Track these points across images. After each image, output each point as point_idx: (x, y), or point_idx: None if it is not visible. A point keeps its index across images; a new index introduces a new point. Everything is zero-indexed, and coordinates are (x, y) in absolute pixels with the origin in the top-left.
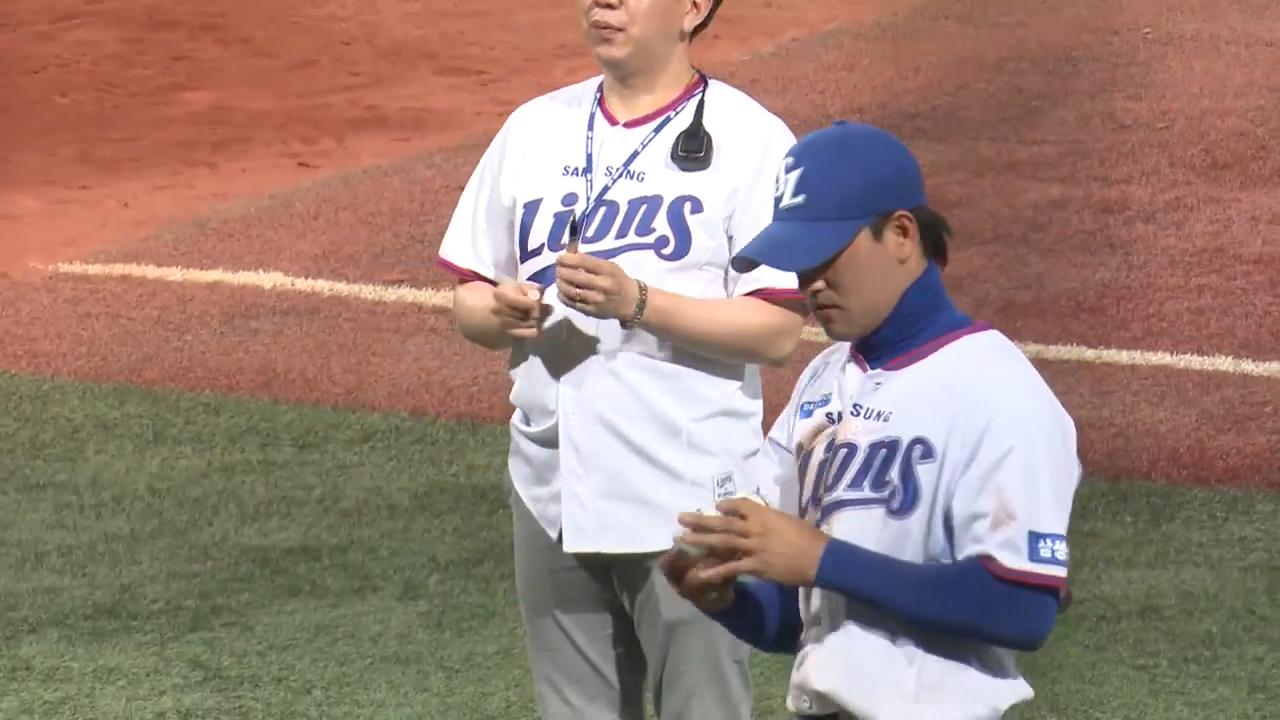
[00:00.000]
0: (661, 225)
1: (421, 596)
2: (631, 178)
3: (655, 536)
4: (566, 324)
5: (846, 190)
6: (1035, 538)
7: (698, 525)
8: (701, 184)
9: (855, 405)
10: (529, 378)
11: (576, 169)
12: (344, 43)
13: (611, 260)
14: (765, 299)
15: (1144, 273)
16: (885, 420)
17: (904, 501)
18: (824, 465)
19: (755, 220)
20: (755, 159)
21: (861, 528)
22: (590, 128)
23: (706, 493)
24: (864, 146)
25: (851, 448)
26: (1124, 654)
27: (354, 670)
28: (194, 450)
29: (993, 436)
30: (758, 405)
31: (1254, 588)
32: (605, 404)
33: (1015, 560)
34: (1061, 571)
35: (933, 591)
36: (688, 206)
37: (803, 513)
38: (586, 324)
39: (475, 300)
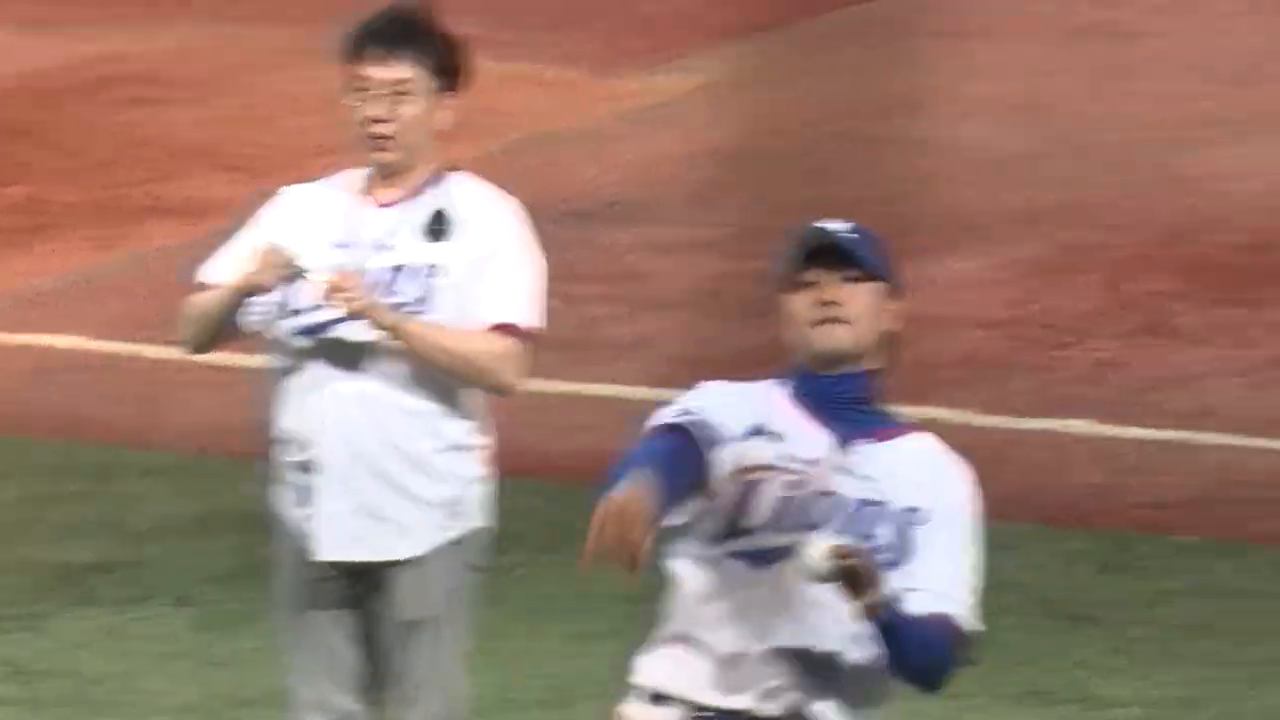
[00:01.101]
0: (413, 288)
1: (194, 604)
2: (387, 249)
3: (397, 548)
4: (325, 368)
5: (884, 250)
6: (972, 608)
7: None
8: (446, 254)
9: (836, 463)
10: (291, 414)
11: (340, 242)
12: (140, 145)
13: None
14: (506, 333)
15: None
16: (873, 482)
17: (898, 557)
18: (789, 503)
19: (492, 270)
20: (492, 231)
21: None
22: (353, 209)
23: (438, 512)
24: (882, 238)
25: (836, 498)
26: None
27: (136, 665)
28: (2, 483)
29: (958, 520)
30: (487, 440)
31: None
32: (360, 437)
33: (959, 607)
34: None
35: (917, 638)
36: (434, 273)
37: (741, 533)
38: (348, 368)
39: (211, 291)
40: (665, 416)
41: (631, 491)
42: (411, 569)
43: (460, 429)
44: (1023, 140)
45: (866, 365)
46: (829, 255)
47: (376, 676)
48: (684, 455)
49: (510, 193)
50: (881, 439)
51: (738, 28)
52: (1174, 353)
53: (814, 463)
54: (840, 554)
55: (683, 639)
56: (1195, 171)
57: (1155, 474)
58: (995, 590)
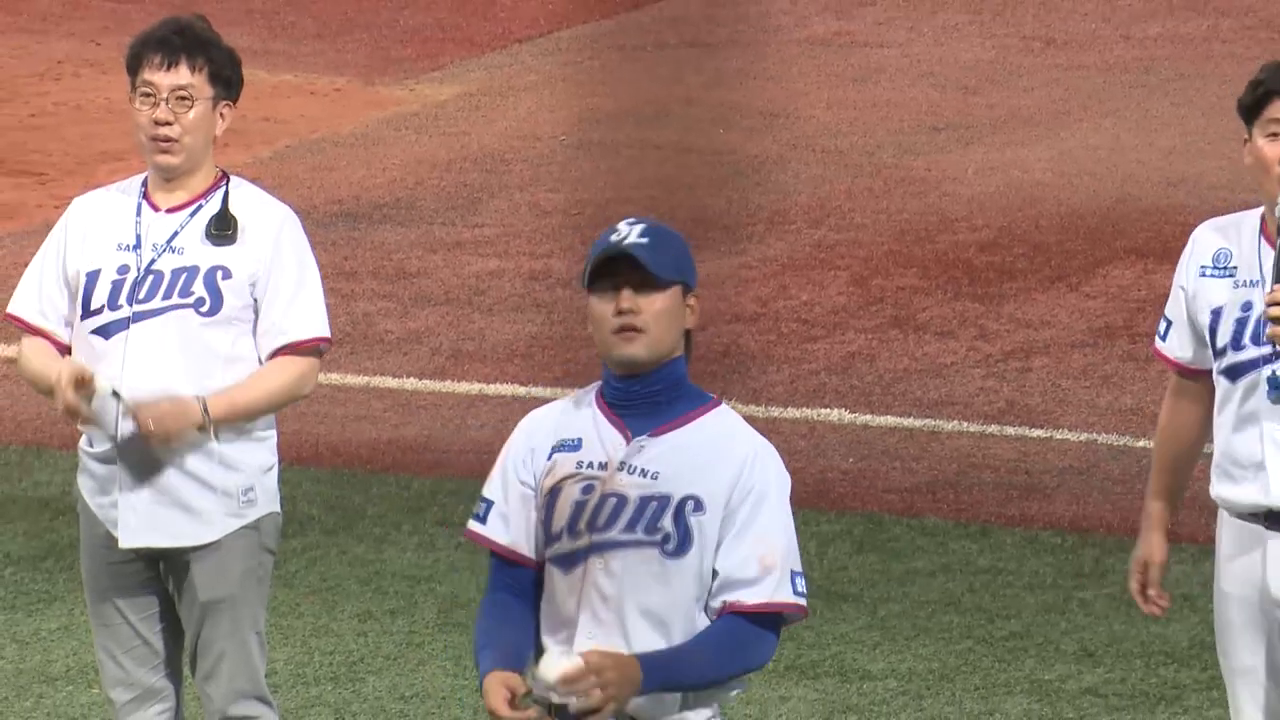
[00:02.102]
0: (199, 289)
1: None
2: (174, 252)
3: (193, 534)
4: (127, 364)
5: (679, 252)
6: (794, 575)
7: (573, 679)
8: (230, 256)
9: (623, 463)
10: (93, 407)
11: (128, 245)
12: None
13: (169, 402)
14: (292, 352)
15: (563, 327)
16: (654, 479)
17: (678, 546)
18: (583, 506)
19: (275, 283)
20: (273, 235)
21: (636, 564)
22: (138, 214)
23: (232, 499)
24: (679, 237)
25: (621, 498)
26: None
27: None
28: None
29: (754, 496)
30: (273, 431)
31: None
32: None
33: (785, 595)
34: (805, 602)
35: (722, 656)
36: (220, 274)
37: (552, 539)
38: (141, 366)
39: (37, 362)
40: (473, 521)
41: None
42: (209, 553)
43: (250, 420)
44: (770, 144)
45: (666, 360)
46: (624, 264)
47: (179, 654)
48: (511, 606)
49: (284, 196)
50: (673, 428)
51: (496, 39)
52: (919, 345)
53: (604, 466)
54: (569, 681)
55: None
56: (932, 174)
57: (904, 460)
58: None
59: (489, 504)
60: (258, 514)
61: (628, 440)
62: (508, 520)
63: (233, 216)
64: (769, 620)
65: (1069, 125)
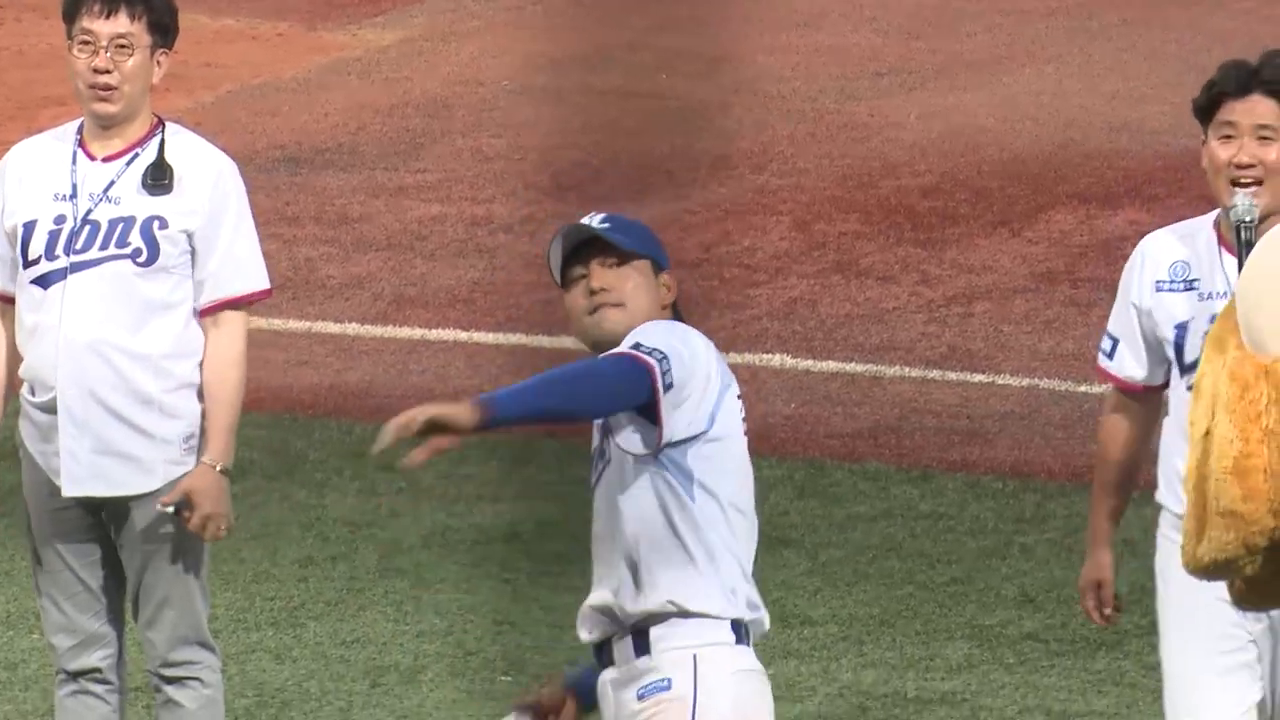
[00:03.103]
0: (136, 239)
1: None
2: (110, 202)
3: (135, 483)
4: (58, 316)
5: (642, 232)
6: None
7: None
8: (166, 206)
9: None
10: (33, 357)
11: (64, 195)
12: None
13: (199, 494)
14: (227, 306)
15: (505, 273)
16: None
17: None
18: None
19: (212, 234)
20: (210, 183)
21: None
22: (74, 162)
23: (173, 447)
24: (639, 222)
25: None
26: (493, 570)
27: None
28: None
29: None
30: None
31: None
32: (94, 380)
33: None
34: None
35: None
36: (156, 224)
37: None
38: (79, 316)
39: None
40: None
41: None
42: (151, 500)
43: (187, 368)
44: (713, 90)
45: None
46: (590, 247)
47: (122, 600)
48: None
49: (226, 141)
50: None
51: None
52: (861, 290)
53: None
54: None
55: None
56: (875, 119)
57: (846, 405)
58: None
59: None
60: (199, 461)
61: None
62: None
63: (169, 165)
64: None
65: (1011, 71)
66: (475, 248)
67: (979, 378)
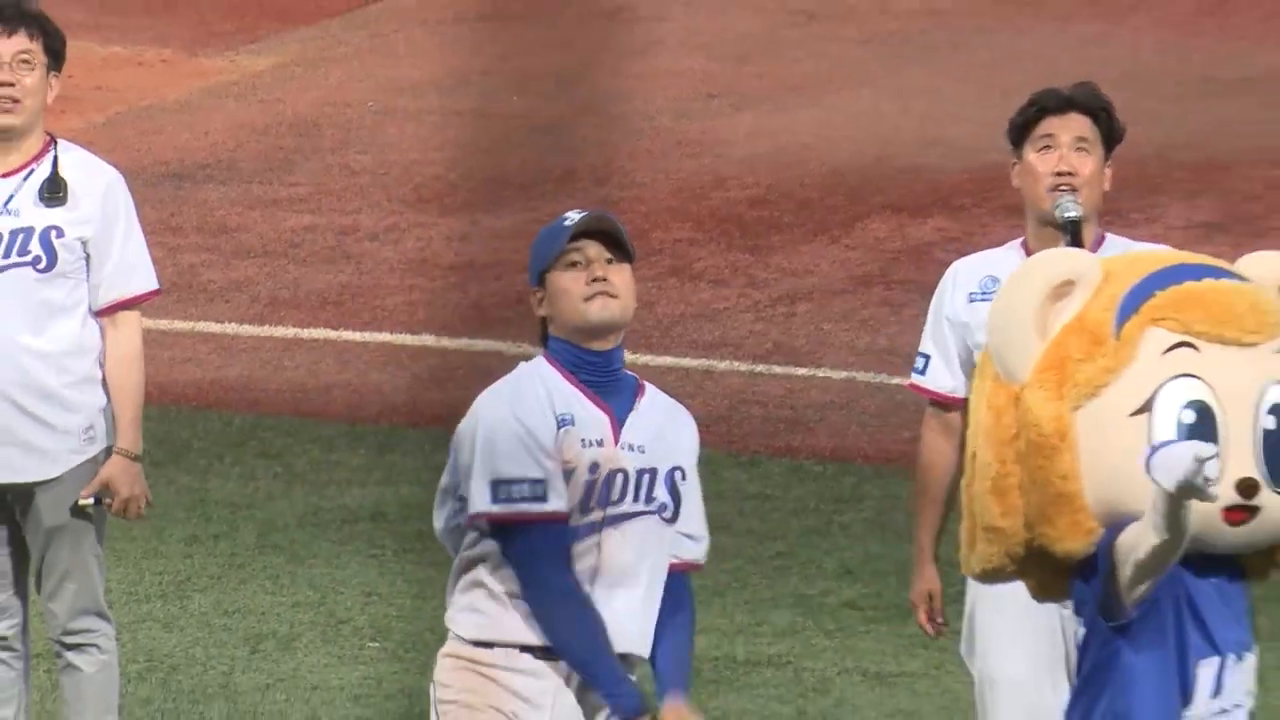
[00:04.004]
0: (35, 248)
1: None
2: (10, 214)
3: (40, 470)
4: None
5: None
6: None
7: None
8: (62, 216)
9: (619, 440)
10: None
11: None
12: None
13: (115, 480)
14: (122, 306)
15: (371, 277)
16: (645, 451)
17: (674, 513)
18: (592, 485)
19: (105, 241)
20: (100, 195)
21: (645, 532)
22: None
23: (73, 438)
24: None
25: (626, 474)
26: (361, 546)
27: None
28: None
29: (694, 465)
30: (100, 372)
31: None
32: (1, 379)
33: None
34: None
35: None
36: (53, 233)
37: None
38: None
39: None
40: (529, 504)
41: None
42: (53, 485)
43: (85, 364)
44: (560, 110)
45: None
46: (595, 238)
47: (25, 574)
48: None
49: (116, 158)
50: (636, 400)
51: (309, 14)
52: (695, 292)
53: (602, 443)
54: None
55: None
56: (707, 136)
57: (680, 396)
58: None
59: (541, 482)
60: (96, 449)
61: (611, 416)
62: (558, 490)
63: (63, 179)
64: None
65: (831, 93)
66: (343, 254)
67: (801, 371)
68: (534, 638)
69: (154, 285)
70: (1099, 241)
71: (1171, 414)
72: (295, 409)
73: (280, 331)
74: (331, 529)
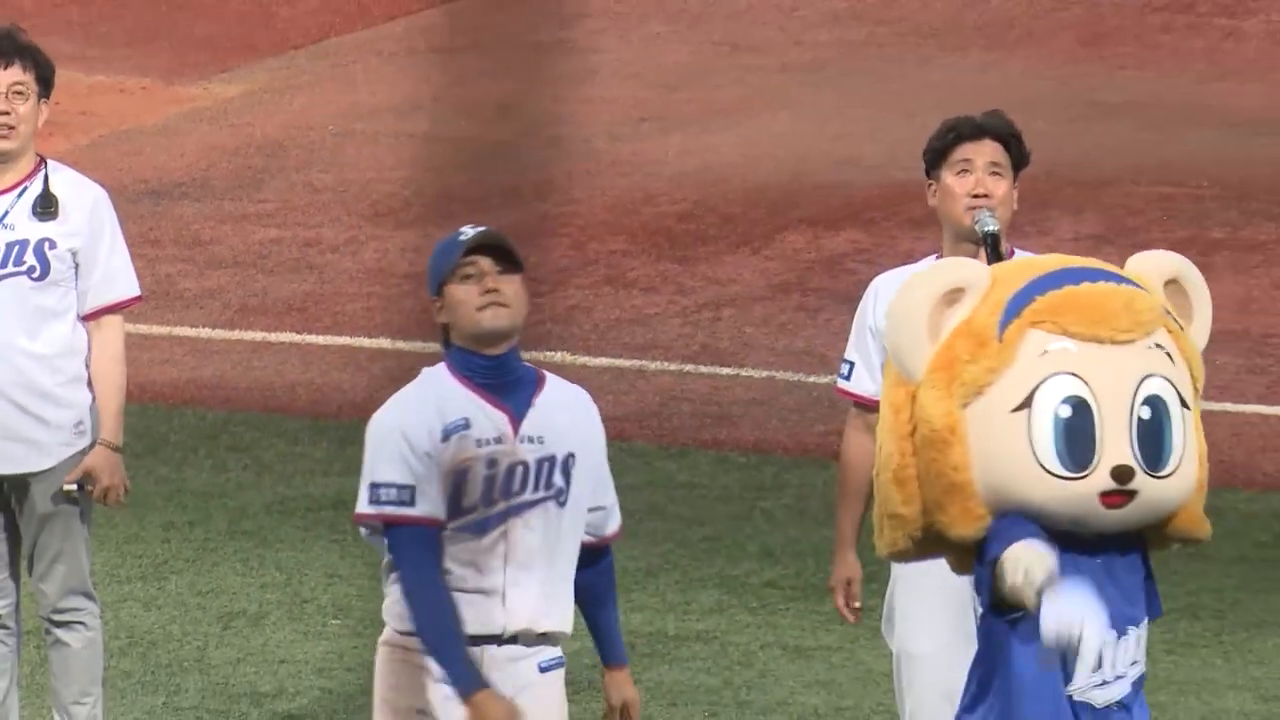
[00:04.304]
0: (30, 259)
1: None
2: (6, 228)
3: (34, 461)
4: None
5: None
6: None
7: None
8: (54, 229)
9: (518, 434)
10: None
11: None
12: None
13: (97, 469)
14: (107, 311)
15: (333, 285)
16: (543, 442)
17: (568, 498)
18: (492, 480)
19: (93, 252)
20: (88, 210)
21: (546, 518)
22: None
23: (65, 432)
24: None
25: (526, 465)
26: (324, 532)
27: None
28: None
29: (602, 446)
30: (87, 372)
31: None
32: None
33: (618, 525)
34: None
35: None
36: (47, 245)
37: (468, 511)
38: None
39: None
40: (395, 507)
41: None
42: (46, 475)
43: (76, 365)
44: (504, 133)
45: (516, 338)
46: (489, 251)
47: (19, 557)
48: (444, 586)
49: (99, 177)
50: (534, 396)
51: (276, 46)
52: (628, 299)
53: (500, 439)
54: None
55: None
56: (638, 157)
57: (615, 394)
58: None
59: (410, 488)
60: (85, 442)
61: (509, 414)
62: (429, 496)
63: (54, 196)
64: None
65: (753, 116)
66: (307, 265)
67: (726, 371)
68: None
69: (136, 292)
70: (1010, 256)
71: (1049, 409)
72: (263, 406)
73: (250, 335)
74: (297, 516)
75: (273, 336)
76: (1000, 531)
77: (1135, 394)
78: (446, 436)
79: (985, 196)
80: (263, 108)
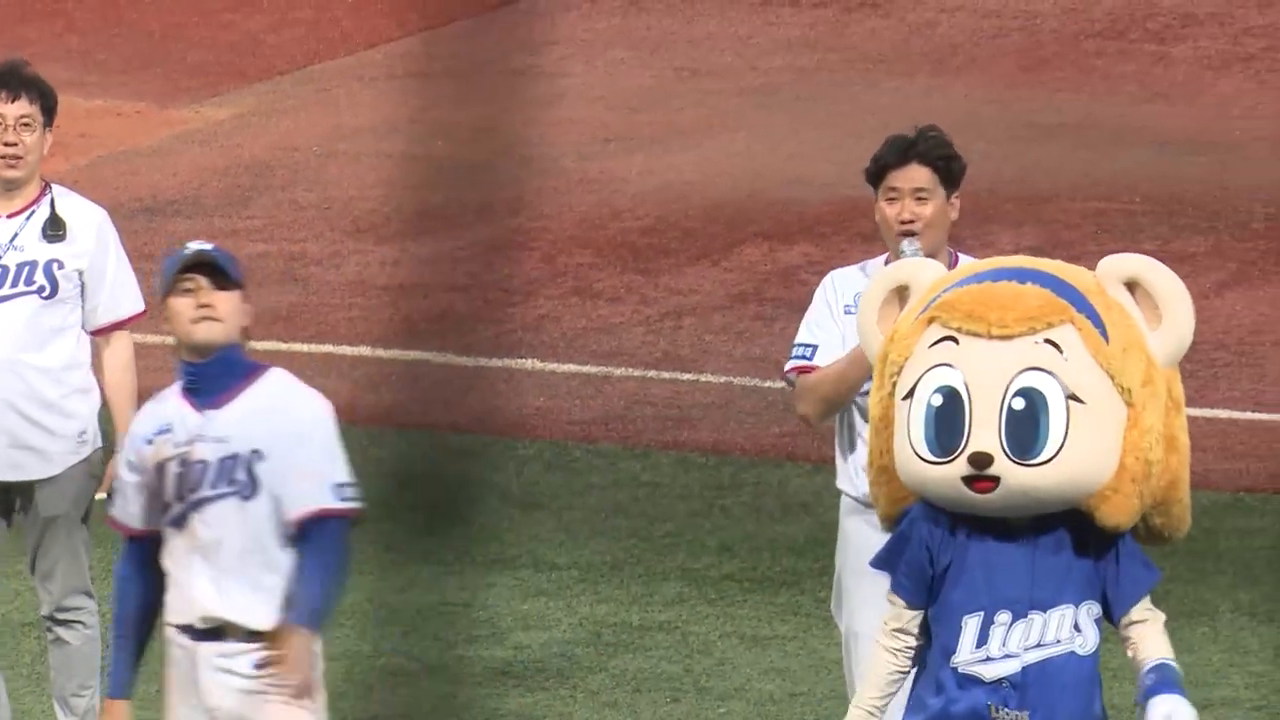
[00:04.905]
0: (40, 279)
1: None
2: (16, 250)
3: (42, 469)
4: None
5: (238, 266)
6: (339, 486)
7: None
8: (61, 251)
9: (200, 435)
10: None
11: None
12: None
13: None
14: (116, 327)
15: (316, 297)
16: (227, 441)
17: (253, 491)
18: (181, 477)
19: (99, 271)
20: (93, 232)
21: (226, 513)
22: None
23: (69, 441)
24: (236, 258)
25: (206, 464)
26: None
27: None
28: None
29: (299, 435)
30: (95, 382)
31: (376, 488)
32: (10, 391)
33: (333, 501)
34: (359, 506)
35: (328, 569)
36: (55, 265)
37: (167, 508)
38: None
39: None
40: (111, 511)
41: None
42: (50, 482)
43: (79, 377)
44: (478, 153)
45: (231, 347)
46: (204, 268)
47: (28, 558)
48: (135, 580)
49: (98, 195)
50: (232, 399)
51: (263, 72)
52: (595, 309)
53: (192, 440)
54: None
55: None
56: (604, 175)
57: (583, 398)
58: (466, 487)
59: (120, 494)
60: (89, 450)
61: (202, 416)
62: (122, 501)
63: (62, 219)
64: (339, 524)
65: (712, 136)
66: (292, 277)
67: (687, 377)
68: (174, 617)
69: (141, 307)
70: (954, 263)
71: (925, 398)
72: None
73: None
74: None
75: (260, 345)
76: (910, 514)
77: (1009, 386)
78: (150, 441)
79: (911, 222)
80: (251, 130)
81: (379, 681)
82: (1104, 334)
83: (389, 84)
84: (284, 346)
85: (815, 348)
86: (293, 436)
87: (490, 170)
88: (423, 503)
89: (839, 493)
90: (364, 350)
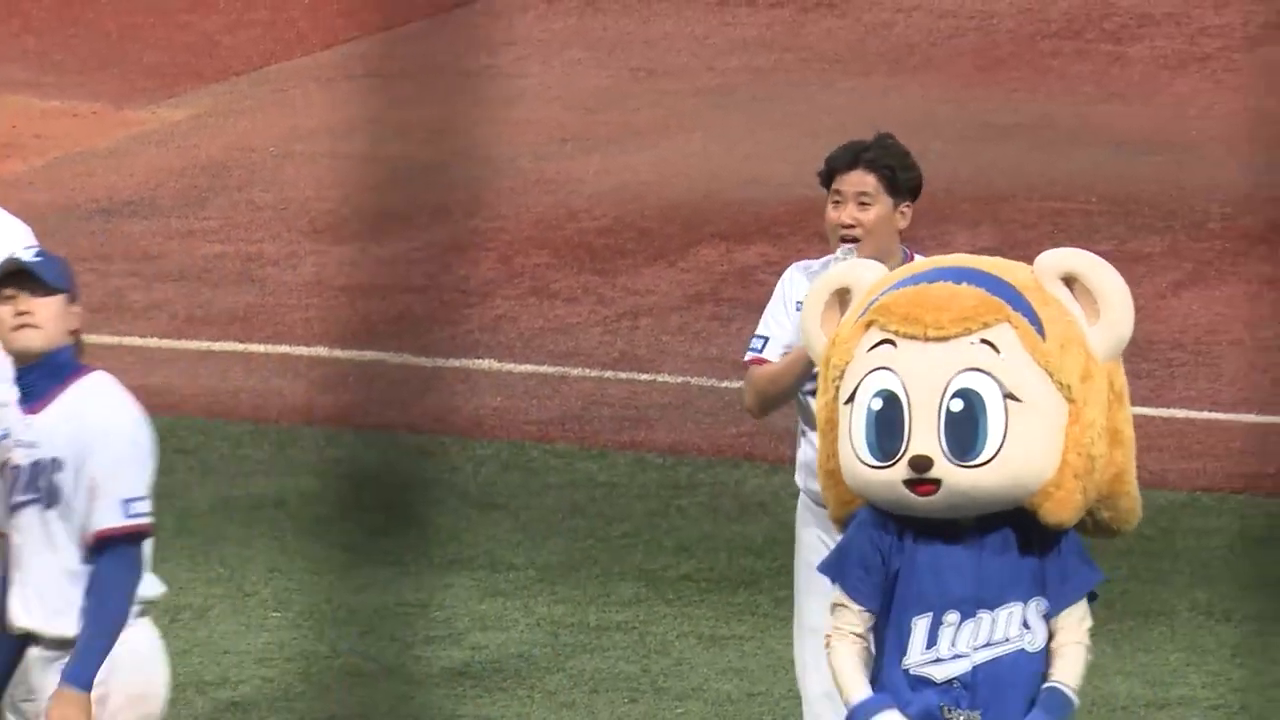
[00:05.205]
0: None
1: None
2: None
3: None
4: None
5: (64, 269)
6: (126, 502)
7: None
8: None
9: (17, 439)
10: None
11: None
12: None
13: None
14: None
15: (273, 297)
16: (37, 447)
17: (51, 500)
18: (11, 481)
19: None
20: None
21: (31, 521)
22: None
23: None
24: (65, 260)
25: (18, 468)
26: (265, 529)
27: None
28: None
29: (94, 446)
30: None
31: (343, 488)
32: None
33: (116, 519)
34: (147, 520)
35: (105, 595)
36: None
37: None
38: None
39: None
40: None
41: None
42: None
43: None
44: (435, 153)
45: (53, 352)
46: (23, 276)
47: None
48: None
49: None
50: (47, 404)
51: (219, 73)
52: (552, 309)
53: (13, 445)
54: None
55: None
56: (561, 176)
57: (540, 398)
58: (423, 487)
59: None
60: None
61: (20, 422)
62: None
63: None
64: (125, 544)
65: (668, 137)
66: (249, 278)
67: (644, 377)
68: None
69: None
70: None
71: (865, 402)
72: (208, 411)
73: (195, 345)
74: (240, 515)
75: (217, 346)
76: (857, 518)
77: (946, 388)
78: None
79: (852, 226)
80: (207, 131)
81: (336, 682)
82: (1040, 331)
83: (346, 85)
84: (241, 347)
85: (767, 340)
86: (86, 446)
87: (447, 171)
88: (380, 503)
89: (796, 491)
90: (321, 351)
